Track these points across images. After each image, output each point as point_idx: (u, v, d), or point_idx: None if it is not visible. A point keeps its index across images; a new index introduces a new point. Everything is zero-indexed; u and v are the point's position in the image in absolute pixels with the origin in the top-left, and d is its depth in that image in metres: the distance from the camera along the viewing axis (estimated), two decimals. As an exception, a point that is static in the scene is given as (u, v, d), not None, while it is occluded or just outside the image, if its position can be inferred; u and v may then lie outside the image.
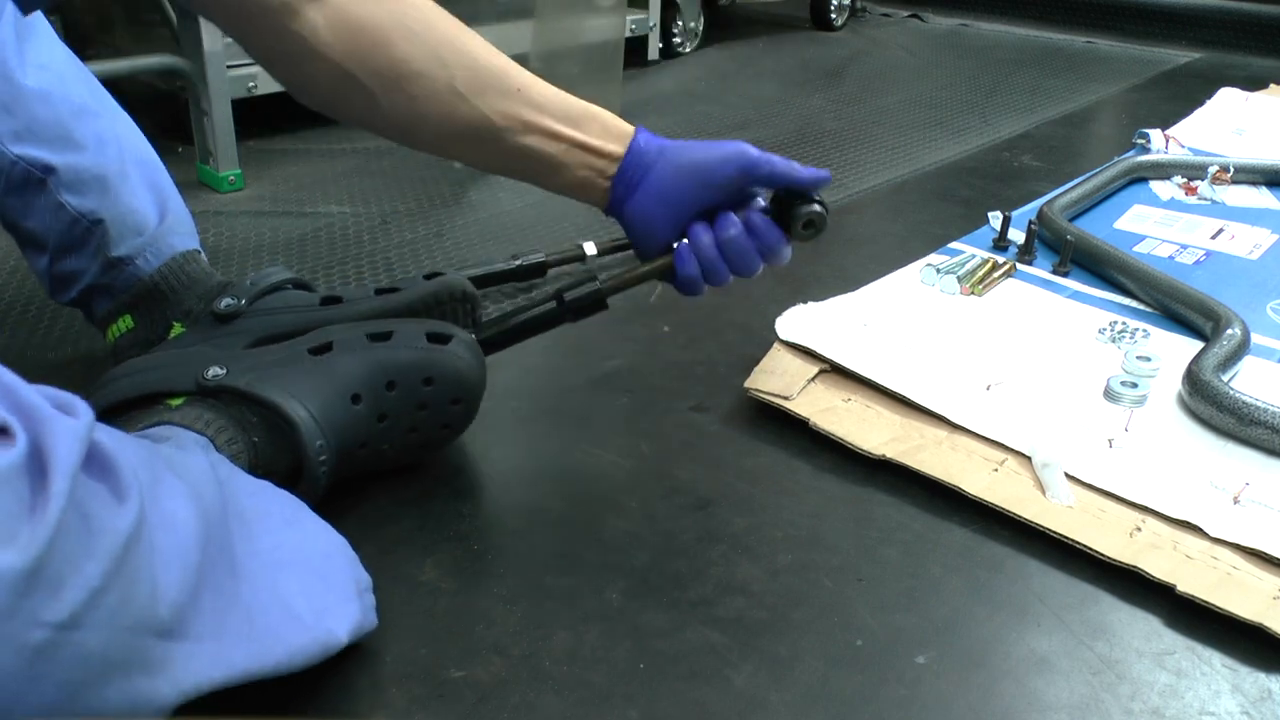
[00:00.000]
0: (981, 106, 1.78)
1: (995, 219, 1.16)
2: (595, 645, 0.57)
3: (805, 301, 0.92)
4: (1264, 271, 1.08)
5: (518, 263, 1.02)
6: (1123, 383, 0.82)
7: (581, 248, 1.07)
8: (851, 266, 1.06)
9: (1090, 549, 0.64)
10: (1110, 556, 0.64)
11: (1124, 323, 0.94)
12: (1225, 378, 0.79)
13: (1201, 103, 1.70)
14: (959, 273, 1.00)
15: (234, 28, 0.64)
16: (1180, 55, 2.24)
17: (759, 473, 0.73)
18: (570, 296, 0.71)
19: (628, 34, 1.80)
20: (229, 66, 1.24)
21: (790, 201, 0.69)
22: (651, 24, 1.98)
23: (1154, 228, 1.19)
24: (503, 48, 0.67)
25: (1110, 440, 0.76)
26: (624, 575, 0.63)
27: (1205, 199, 1.28)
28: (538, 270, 1.03)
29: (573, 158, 0.68)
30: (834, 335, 0.86)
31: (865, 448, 0.74)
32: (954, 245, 1.12)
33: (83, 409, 0.39)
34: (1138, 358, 0.85)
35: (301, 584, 0.51)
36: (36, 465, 0.36)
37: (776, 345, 0.86)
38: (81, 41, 1.40)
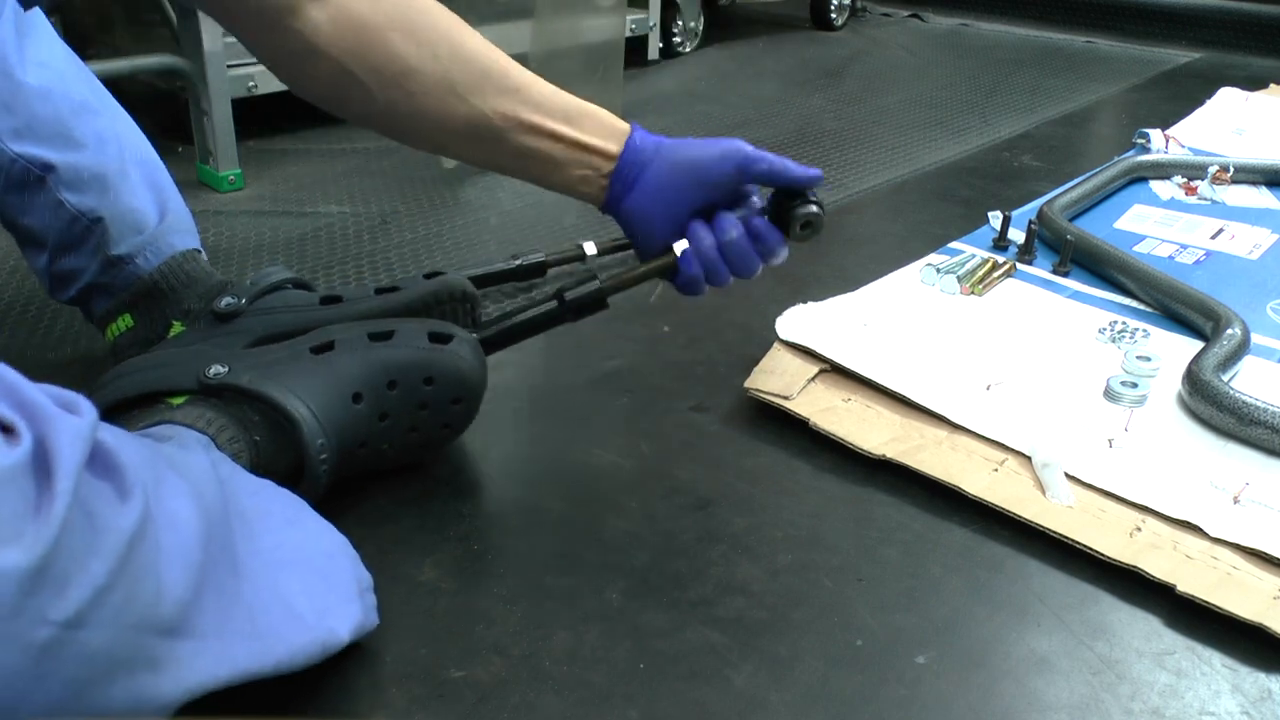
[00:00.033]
0: (981, 106, 1.78)
1: (995, 219, 1.16)
2: (595, 645, 0.57)
3: (805, 301, 0.92)
4: (1264, 271, 1.08)
5: (518, 263, 1.02)
6: (1123, 383, 0.82)
7: (581, 247, 1.07)
8: (851, 266, 1.06)
9: (1090, 549, 0.64)
10: (1110, 556, 0.64)
11: (1124, 323, 0.94)
12: (1225, 378, 0.79)
13: (1201, 103, 1.70)
14: (959, 273, 1.00)
15: (235, 24, 0.64)
16: (1180, 55, 2.24)
17: (759, 473, 0.73)
18: (571, 296, 0.71)
19: (628, 34, 1.80)
20: (229, 66, 1.24)
21: (788, 202, 0.70)
22: (651, 24, 1.98)
23: (1154, 228, 1.19)
24: (502, 47, 0.68)
25: (1110, 440, 0.76)
26: (624, 575, 0.63)
27: (1205, 199, 1.28)
28: (538, 270, 1.03)
29: (569, 156, 0.68)
30: (834, 335, 0.86)
31: (865, 448, 0.74)
32: (954, 245, 1.12)
33: (86, 407, 0.39)
34: (1138, 358, 0.85)
35: (303, 583, 0.51)
36: (41, 464, 0.36)
37: (776, 345, 0.86)
38: (81, 41, 1.39)
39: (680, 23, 2.09)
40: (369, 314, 0.73)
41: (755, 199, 0.72)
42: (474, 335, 0.70)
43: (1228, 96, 1.73)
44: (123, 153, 0.77)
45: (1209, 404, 0.77)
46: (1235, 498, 0.69)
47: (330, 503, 0.63)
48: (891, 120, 1.68)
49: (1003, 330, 0.92)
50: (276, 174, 1.34)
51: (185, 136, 1.31)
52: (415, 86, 0.64)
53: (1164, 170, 1.35)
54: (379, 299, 0.75)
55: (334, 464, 0.64)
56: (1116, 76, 2.03)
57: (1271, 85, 1.86)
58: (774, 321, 0.87)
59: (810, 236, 0.70)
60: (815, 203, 0.70)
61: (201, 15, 1.19)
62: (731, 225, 0.68)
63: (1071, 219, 1.15)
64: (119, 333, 0.77)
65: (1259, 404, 0.75)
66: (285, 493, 0.57)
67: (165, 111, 1.39)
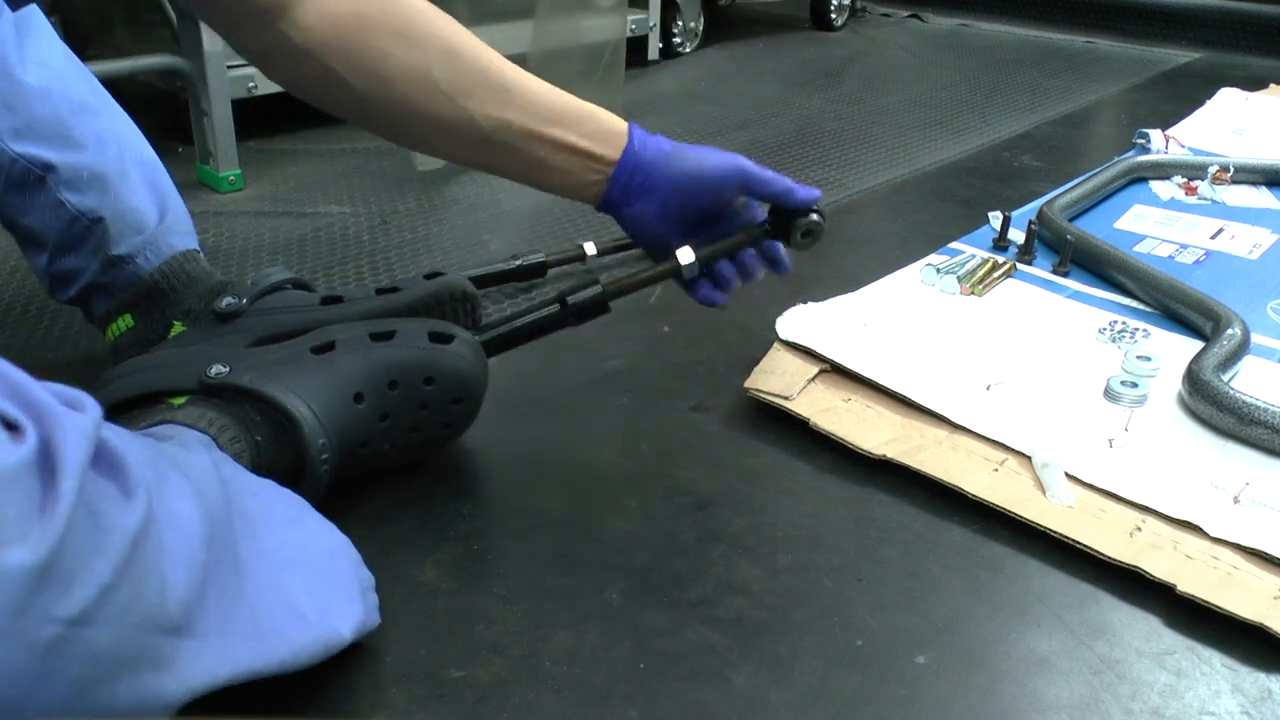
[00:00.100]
0: (981, 106, 1.78)
1: (995, 219, 1.16)
2: (595, 645, 0.57)
3: (805, 301, 0.92)
4: (1264, 271, 1.08)
5: (518, 263, 1.02)
6: (1123, 382, 0.82)
7: (582, 248, 1.07)
8: (851, 266, 1.06)
9: (1090, 549, 0.64)
10: (1110, 556, 0.64)
11: (1124, 323, 0.94)
12: (1225, 378, 0.79)
13: (1201, 103, 1.70)
14: (959, 273, 1.00)
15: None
16: (1180, 55, 2.24)
17: (759, 473, 0.74)
18: (573, 300, 0.71)
19: (628, 34, 1.80)
20: (229, 66, 1.24)
21: (788, 211, 0.71)
22: (651, 24, 1.98)
23: (1154, 228, 1.19)
24: (502, 48, 0.67)
25: (1110, 440, 0.76)
26: (624, 575, 0.63)
27: (1205, 199, 1.28)
28: (538, 270, 1.03)
29: (561, 161, 0.68)
30: (834, 335, 0.86)
31: (865, 448, 0.74)
32: (954, 245, 1.12)
33: (91, 406, 0.39)
34: (1138, 357, 0.85)
35: (305, 583, 0.51)
36: (46, 462, 0.36)
37: (776, 345, 0.86)
38: (81, 41, 1.39)
39: (680, 23, 2.09)
40: (370, 314, 0.73)
41: (755, 206, 0.73)
42: (475, 336, 0.70)
43: (1228, 96, 1.73)
44: (122, 153, 0.77)
45: (1209, 404, 0.77)
46: (1235, 498, 0.69)
47: (331, 503, 0.63)
48: (891, 120, 1.68)
49: (1003, 330, 0.92)
50: (276, 174, 1.34)
51: (185, 136, 1.31)
52: (403, 89, 0.64)
53: (1164, 170, 1.35)
54: (379, 299, 0.75)
55: (335, 464, 0.64)
56: (1116, 76, 2.03)
57: (1271, 85, 1.86)
58: (774, 321, 0.87)
59: (811, 244, 0.73)
60: (816, 211, 0.72)
61: (202, 15, 1.19)
62: (747, 255, 0.73)
63: (1071, 219, 1.15)
64: (119, 333, 0.77)
65: (1259, 404, 0.75)
66: (287, 492, 0.57)
67: (165, 111, 1.39)
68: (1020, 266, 1.06)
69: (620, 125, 0.69)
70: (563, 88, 0.69)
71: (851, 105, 1.77)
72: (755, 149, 1.48)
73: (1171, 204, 1.27)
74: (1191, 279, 0.98)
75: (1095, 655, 0.58)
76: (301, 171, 1.35)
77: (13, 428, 0.35)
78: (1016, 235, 1.11)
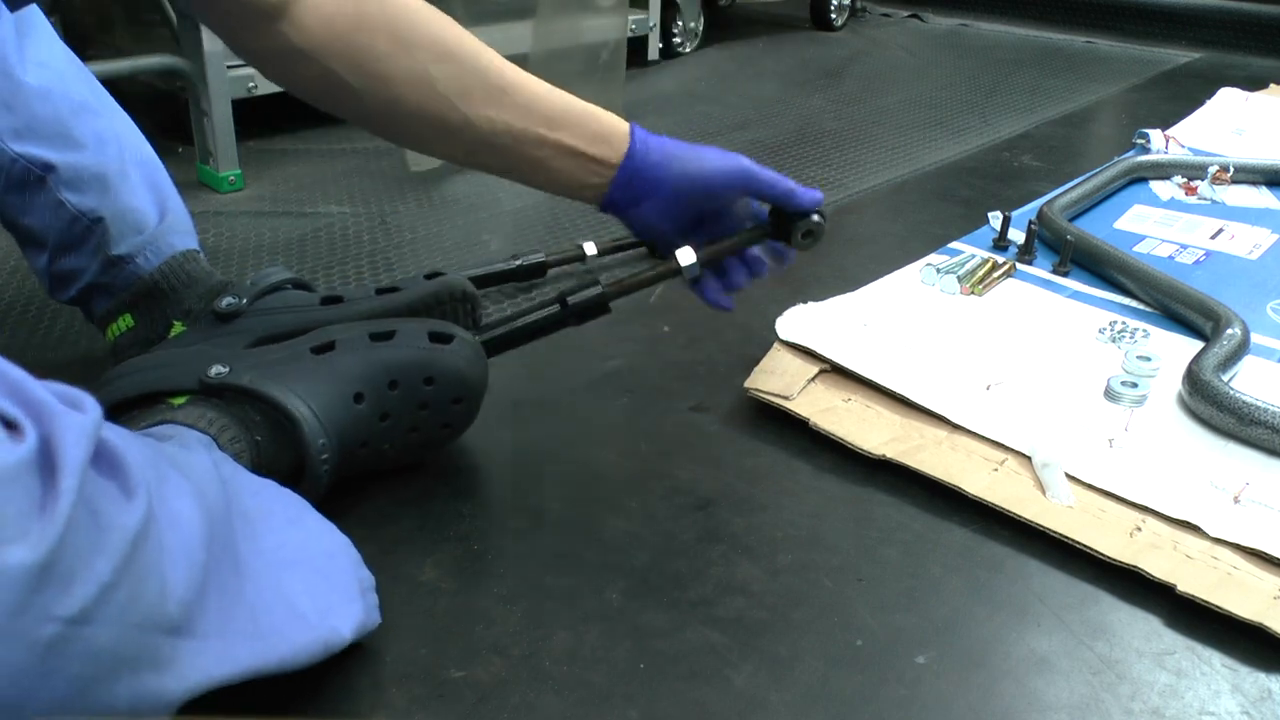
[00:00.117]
0: (981, 106, 1.78)
1: (995, 219, 1.16)
2: (595, 645, 0.57)
3: (805, 301, 0.92)
4: (1264, 271, 1.08)
5: (518, 263, 1.02)
6: (1123, 383, 0.82)
7: (582, 248, 1.07)
8: (851, 266, 1.06)
9: (1090, 549, 0.64)
10: (1110, 556, 0.64)
11: (1124, 323, 0.94)
12: (1225, 378, 0.79)
13: (1201, 103, 1.70)
14: (959, 273, 1.00)
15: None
16: (1180, 55, 2.24)
17: (759, 473, 0.74)
18: (573, 300, 0.72)
19: (628, 34, 1.80)
20: (229, 66, 1.24)
21: (789, 211, 0.71)
22: (651, 24, 1.98)
23: (1154, 228, 1.19)
24: (503, 48, 0.67)
25: (1110, 440, 0.76)
26: (624, 575, 0.63)
27: (1205, 199, 1.28)
28: (538, 270, 1.03)
29: (561, 164, 0.68)
30: (834, 335, 0.86)
31: (865, 448, 0.74)
32: (954, 245, 1.12)
33: (90, 405, 0.39)
34: (1138, 358, 0.85)
35: (305, 583, 0.51)
36: (46, 461, 0.36)
37: (776, 345, 0.86)
38: (81, 41, 1.39)
39: (680, 23, 2.09)
40: (370, 314, 0.73)
41: (756, 204, 0.73)
42: (475, 336, 0.70)
43: (1228, 96, 1.73)
44: (122, 153, 0.77)
45: (1209, 404, 0.77)
46: (1235, 498, 0.69)
47: (331, 503, 0.63)
48: (891, 120, 1.68)
49: (1003, 330, 0.92)
50: (276, 174, 1.34)
51: (185, 136, 1.31)
52: (401, 91, 0.63)
53: (1164, 170, 1.35)
54: (379, 299, 0.75)
55: (335, 464, 0.64)
56: (1116, 76, 2.03)
57: (1271, 85, 1.86)
58: (774, 321, 0.87)
59: (812, 245, 0.73)
60: (817, 211, 0.72)
61: (202, 15, 1.19)
62: (755, 257, 0.75)
63: (1071, 219, 1.15)
64: (119, 333, 0.77)
65: (1259, 404, 0.75)
66: (287, 493, 0.57)
67: (165, 111, 1.39)
68: (1020, 266, 1.06)
69: (621, 127, 0.69)
70: (563, 88, 0.68)
71: (851, 105, 1.77)
72: (755, 149, 1.48)
73: (1171, 204, 1.27)
74: (1191, 279, 0.98)
75: (1095, 655, 0.58)
76: (301, 171, 1.35)
77: (12, 427, 0.35)
78: (1016, 235, 1.11)
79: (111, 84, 0.84)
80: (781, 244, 0.75)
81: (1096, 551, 0.64)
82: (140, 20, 1.42)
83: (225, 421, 0.62)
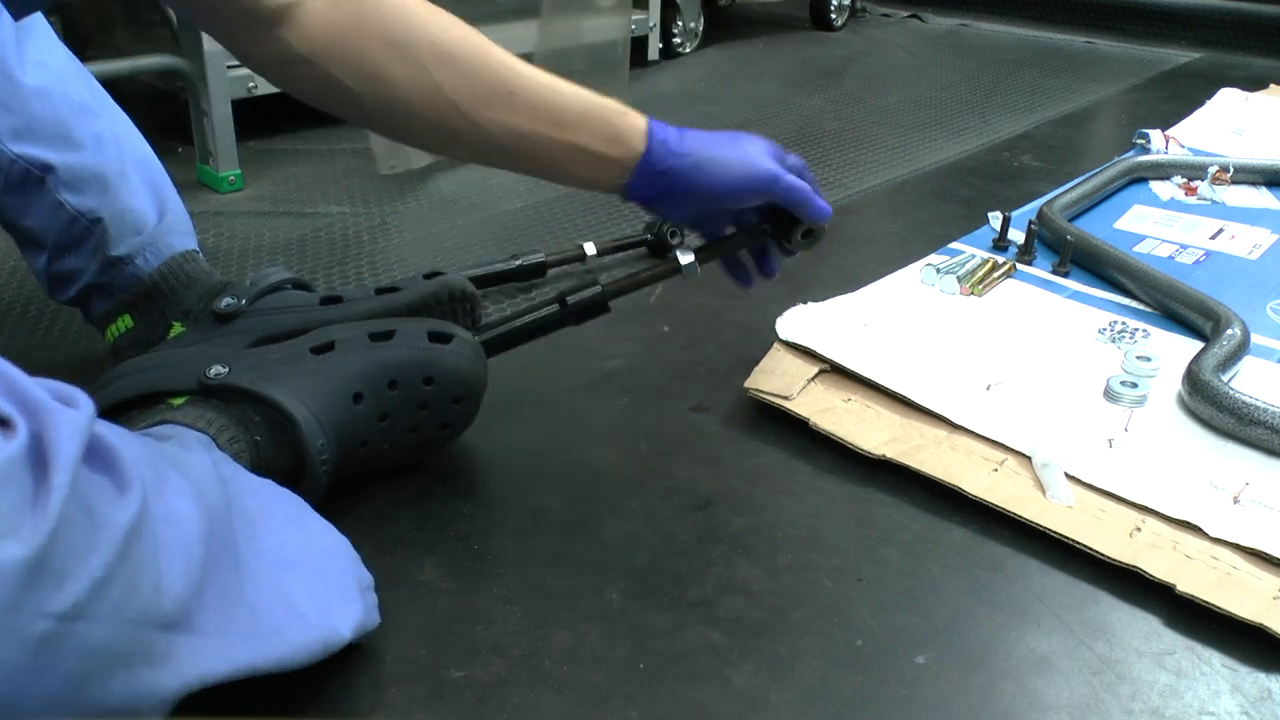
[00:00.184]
0: (981, 106, 1.78)
1: (995, 219, 1.16)
2: (595, 645, 0.57)
3: (805, 301, 0.92)
4: (1264, 271, 1.08)
5: (518, 263, 1.02)
6: (1123, 383, 0.82)
7: (581, 248, 1.07)
8: (851, 266, 1.06)
9: (1090, 549, 0.64)
10: (1110, 556, 0.64)
11: (1124, 323, 0.94)
12: (1225, 378, 0.79)
13: (1201, 103, 1.70)
14: (959, 273, 1.00)
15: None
16: (1180, 55, 2.24)
17: (759, 473, 0.73)
18: (573, 299, 0.72)
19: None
20: (229, 66, 1.24)
21: (791, 213, 0.72)
22: (651, 24, 1.98)
23: (1154, 228, 1.19)
24: (508, 48, 0.66)
25: (1110, 440, 0.76)
26: (624, 575, 0.63)
27: (1205, 199, 1.28)
28: (538, 270, 1.03)
29: (576, 165, 0.66)
30: (834, 335, 0.86)
31: (865, 448, 0.74)
32: (954, 245, 1.12)
33: (84, 401, 0.39)
34: (1138, 358, 0.85)
35: (305, 583, 0.51)
36: (38, 457, 0.36)
37: (776, 345, 0.86)
38: (81, 41, 1.40)
39: (680, 23, 2.09)
40: (369, 314, 0.73)
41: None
42: (474, 335, 0.70)
43: (1228, 97, 1.73)
44: (122, 153, 0.77)
45: (1209, 404, 0.77)
46: (1235, 498, 0.69)
47: (330, 503, 0.63)
48: (891, 120, 1.68)
49: (1003, 330, 0.92)
50: (276, 174, 1.34)
51: (185, 136, 1.31)
52: (403, 95, 0.62)
53: (1164, 170, 1.35)
54: (379, 299, 0.75)
55: (334, 464, 0.64)
56: (1116, 76, 2.03)
57: (1271, 85, 1.86)
58: (774, 321, 0.87)
59: (811, 245, 0.74)
60: None
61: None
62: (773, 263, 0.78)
63: (1071, 219, 1.15)
64: (119, 333, 0.77)
65: (1259, 404, 0.75)
66: (286, 493, 0.57)
67: (165, 111, 1.39)
68: (1020, 266, 1.06)
69: (638, 125, 0.67)
70: None
71: (851, 105, 1.77)
72: (755, 149, 1.48)
73: (1171, 204, 1.27)
74: (1191, 279, 0.98)
75: (1095, 655, 0.58)
76: (301, 171, 1.35)
77: (4, 423, 0.35)
78: (1016, 235, 1.11)
79: (111, 84, 0.84)
80: (780, 243, 0.75)
81: (1096, 551, 0.64)
82: (140, 20, 1.42)
83: (224, 422, 0.62)
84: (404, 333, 0.67)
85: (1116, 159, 1.35)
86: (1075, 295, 1.01)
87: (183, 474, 0.46)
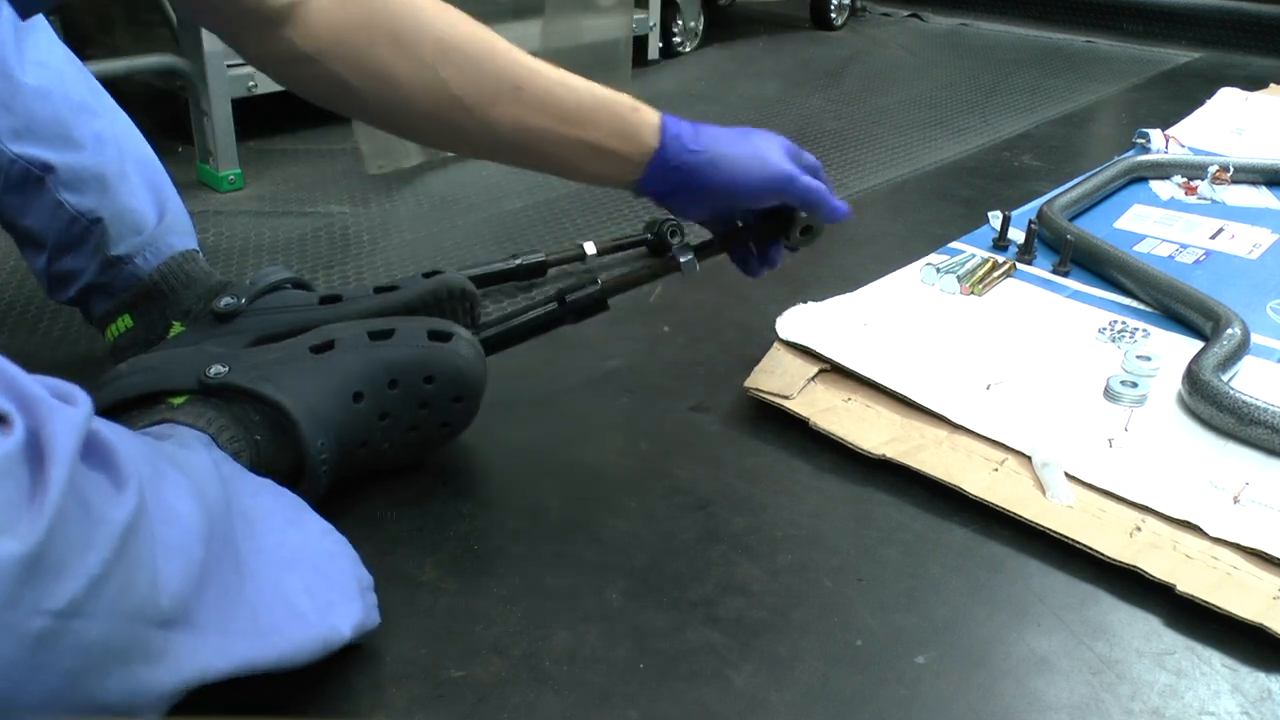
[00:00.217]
0: (981, 106, 1.78)
1: (995, 219, 1.16)
2: (595, 645, 0.57)
3: (805, 301, 0.92)
4: (1264, 271, 1.08)
5: (518, 262, 1.02)
6: (1123, 382, 0.82)
7: (581, 248, 1.07)
8: (851, 266, 1.06)
9: (1090, 549, 0.64)
10: (1110, 556, 0.64)
11: (1124, 322, 0.94)
12: (1225, 377, 0.79)
13: (1201, 103, 1.70)
14: (959, 272, 1.00)
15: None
16: (1180, 55, 2.24)
17: (759, 473, 0.73)
18: (572, 298, 0.72)
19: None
20: (229, 66, 1.24)
21: (790, 210, 0.72)
22: (651, 24, 1.98)
23: (1154, 227, 1.19)
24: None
25: (1110, 440, 0.76)
26: (624, 575, 0.63)
27: (1205, 199, 1.28)
28: (538, 270, 1.03)
29: (586, 162, 0.66)
30: (834, 335, 0.85)
31: (865, 448, 0.74)
32: (954, 245, 1.12)
33: (81, 398, 0.39)
34: (1138, 357, 0.85)
35: (305, 582, 0.51)
36: (35, 453, 0.36)
37: (776, 345, 0.86)
38: (81, 41, 1.39)
39: (680, 23, 2.09)
40: (368, 313, 0.73)
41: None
42: (474, 334, 0.70)
43: (1228, 96, 1.73)
44: (121, 153, 0.77)
45: (1209, 404, 0.77)
46: (1235, 498, 0.69)
47: (330, 503, 0.63)
48: (891, 120, 1.68)
49: (1003, 330, 0.92)
50: (276, 174, 1.34)
51: (185, 136, 1.31)
52: (406, 92, 0.62)
53: (1164, 170, 1.35)
54: (378, 298, 0.75)
55: (334, 463, 0.64)
56: (1116, 76, 2.03)
57: (1271, 85, 1.86)
58: (774, 321, 0.87)
59: (810, 242, 0.74)
60: None
61: (201, 15, 1.19)
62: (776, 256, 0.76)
63: (1071, 219, 1.15)
64: (119, 333, 0.77)
65: (1259, 404, 0.75)
66: (286, 493, 0.57)
67: (165, 111, 1.39)
68: (1020, 266, 1.06)
69: (650, 121, 0.66)
70: None
71: (851, 105, 1.77)
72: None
73: (1171, 204, 1.27)
74: (1191, 279, 0.98)
75: (1095, 655, 0.58)
76: (301, 171, 1.35)
77: (1, 419, 0.35)
78: (1016, 235, 1.11)
79: (111, 84, 0.84)
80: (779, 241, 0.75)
81: (1096, 551, 0.64)
82: (140, 20, 1.42)
83: (224, 421, 0.62)
84: (404, 331, 0.67)
85: (1116, 158, 1.35)
86: (1075, 295, 1.01)
87: (182, 473, 0.46)
